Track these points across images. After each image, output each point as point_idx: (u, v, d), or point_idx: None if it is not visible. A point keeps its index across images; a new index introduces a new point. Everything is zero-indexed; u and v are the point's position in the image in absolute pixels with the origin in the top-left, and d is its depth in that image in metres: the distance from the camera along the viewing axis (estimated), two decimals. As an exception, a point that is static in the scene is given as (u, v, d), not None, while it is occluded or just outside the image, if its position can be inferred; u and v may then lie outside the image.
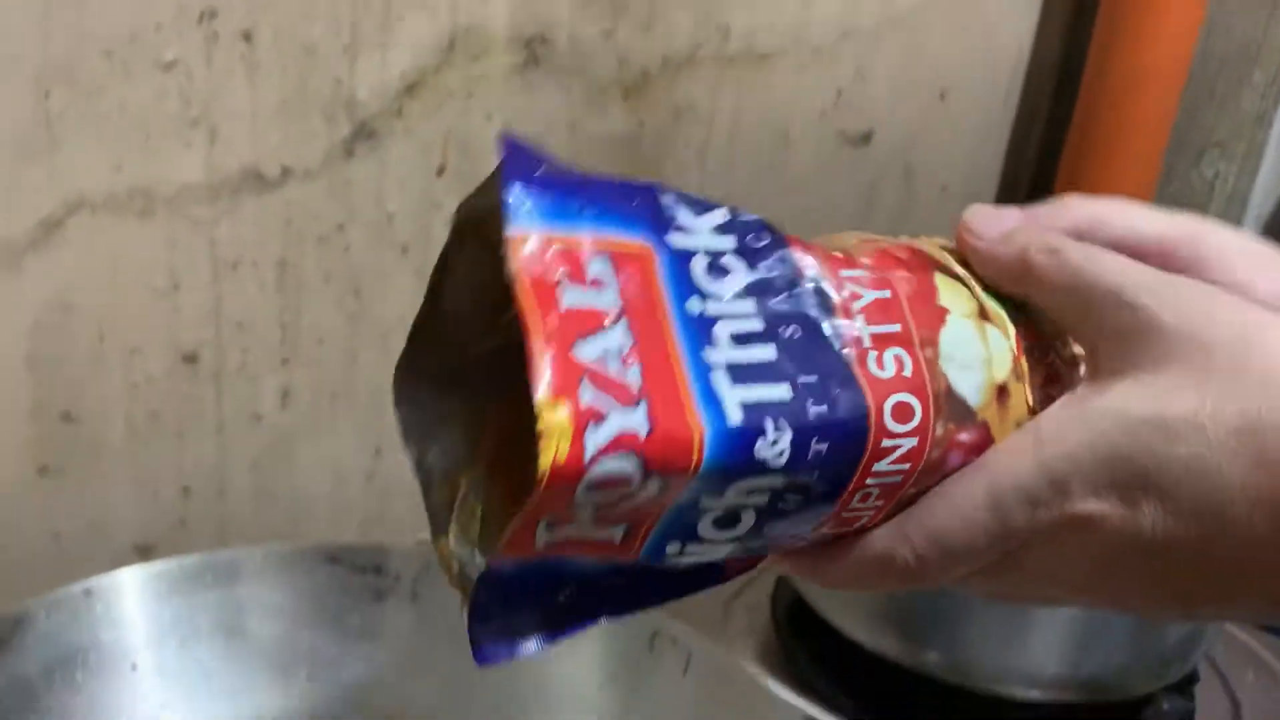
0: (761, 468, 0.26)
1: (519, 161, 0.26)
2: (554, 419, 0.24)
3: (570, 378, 0.24)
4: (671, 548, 0.27)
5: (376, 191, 0.57)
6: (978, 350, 0.28)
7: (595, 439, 0.24)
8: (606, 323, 0.25)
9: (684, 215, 0.27)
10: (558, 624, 0.28)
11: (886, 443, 0.27)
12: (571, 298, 0.25)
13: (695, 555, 0.28)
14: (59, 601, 0.45)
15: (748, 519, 0.27)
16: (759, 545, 0.28)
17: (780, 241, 0.28)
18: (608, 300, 0.25)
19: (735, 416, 0.25)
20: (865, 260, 0.29)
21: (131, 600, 0.47)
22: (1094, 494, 0.26)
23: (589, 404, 0.24)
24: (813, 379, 0.26)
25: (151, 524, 0.55)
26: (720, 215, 0.28)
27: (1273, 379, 0.25)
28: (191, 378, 0.54)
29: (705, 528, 0.27)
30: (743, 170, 0.72)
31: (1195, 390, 0.25)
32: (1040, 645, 0.57)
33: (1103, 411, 0.26)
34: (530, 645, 0.28)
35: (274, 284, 0.55)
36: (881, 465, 0.27)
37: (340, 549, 0.50)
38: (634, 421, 0.25)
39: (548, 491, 0.24)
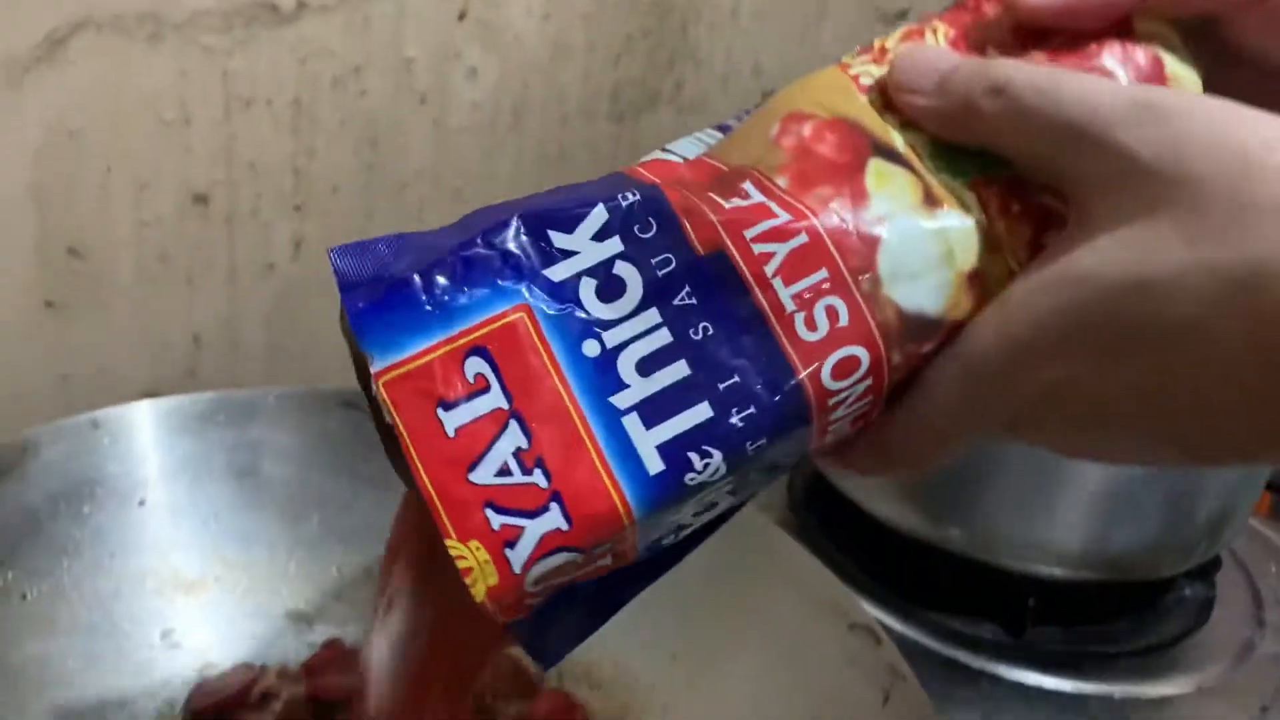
0: (703, 486, 0.25)
1: (357, 284, 0.24)
2: (469, 559, 0.24)
3: (472, 512, 0.24)
4: (668, 541, 0.26)
5: (395, 34, 0.55)
6: (930, 249, 0.25)
7: (517, 555, 0.24)
8: (497, 430, 0.24)
9: (558, 236, 0.25)
10: (603, 607, 0.28)
11: (834, 400, 0.25)
12: (455, 419, 0.24)
13: (699, 524, 0.27)
14: (65, 431, 0.44)
15: (726, 500, 0.26)
16: (758, 490, 0.27)
17: (669, 219, 0.25)
18: (493, 401, 0.24)
19: (654, 465, 0.24)
20: (780, 184, 0.26)
21: (141, 435, 0.46)
22: (1066, 360, 0.23)
23: (500, 527, 0.24)
24: (732, 381, 0.25)
25: (161, 372, 0.54)
26: (598, 216, 0.25)
27: (1277, 213, 0.21)
28: (202, 219, 0.52)
29: (687, 519, 0.26)
30: (773, 38, 0.69)
31: (1183, 241, 0.21)
32: (1064, 523, 0.56)
33: (1073, 277, 0.23)
34: (585, 633, 0.28)
35: (288, 125, 0.53)
36: (838, 414, 0.25)
37: (357, 394, 0.48)
38: (551, 521, 0.24)
39: (497, 608, 0.24)
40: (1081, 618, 0.60)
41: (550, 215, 0.25)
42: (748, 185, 0.26)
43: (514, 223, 0.25)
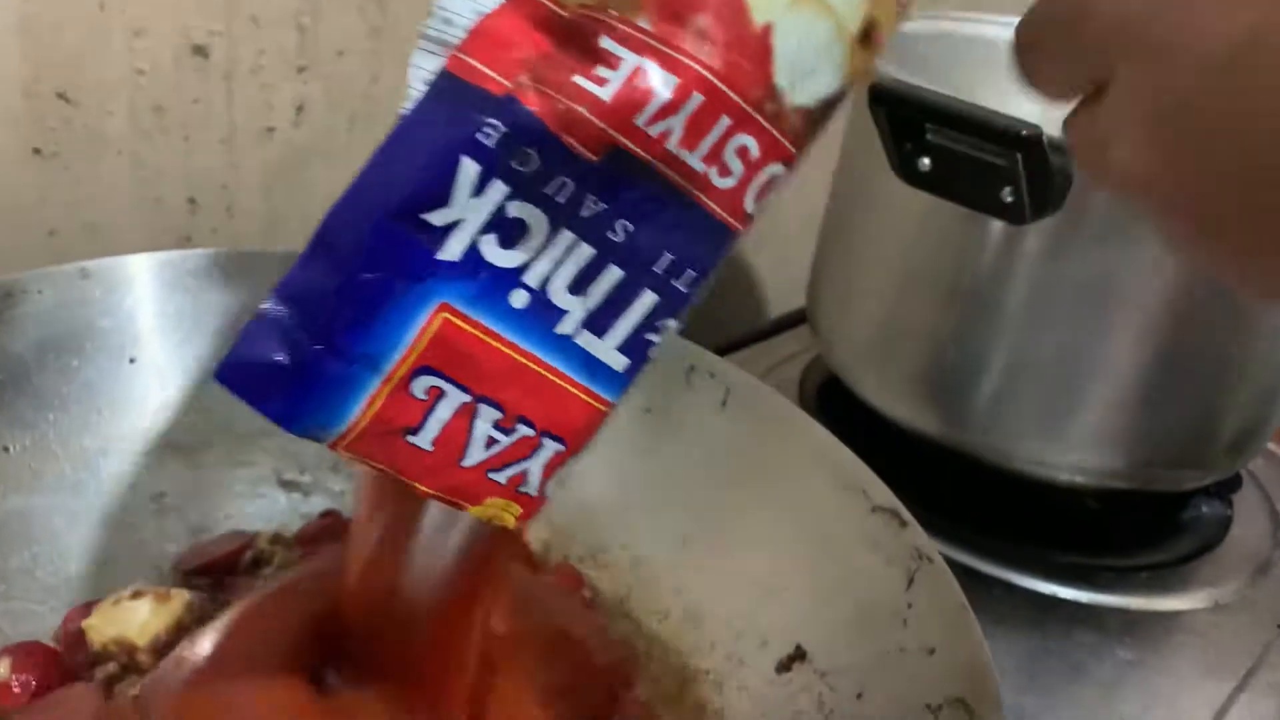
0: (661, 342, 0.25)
1: (265, 390, 0.23)
2: (489, 509, 0.25)
3: (477, 485, 0.25)
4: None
5: (409, -115, 0.52)
6: (820, 35, 0.23)
7: (531, 485, 0.25)
8: (469, 419, 0.24)
9: (435, 215, 0.22)
10: None
11: (759, 211, 0.25)
12: (427, 436, 0.24)
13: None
14: (54, 278, 0.41)
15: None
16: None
17: (547, 141, 0.22)
18: (455, 400, 0.23)
19: (619, 362, 0.24)
20: (646, 28, 0.22)
21: (134, 289, 0.43)
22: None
23: (506, 480, 0.25)
24: (666, 259, 0.24)
25: (154, 234, 0.51)
26: (468, 174, 0.22)
27: None
28: (200, 73, 0.49)
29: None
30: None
31: None
32: (1086, 431, 0.54)
33: None
34: None
35: (293, -23, 0.50)
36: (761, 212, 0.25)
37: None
38: (549, 451, 0.25)
39: (529, 520, 0.26)
40: (1098, 529, 0.59)
41: (416, 197, 0.22)
42: (610, 44, 0.22)
43: (383, 227, 0.22)
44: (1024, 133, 0.45)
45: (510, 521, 0.25)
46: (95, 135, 0.48)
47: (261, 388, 0.23)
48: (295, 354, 0.22)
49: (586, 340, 0.24)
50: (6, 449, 0.40)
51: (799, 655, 0.39)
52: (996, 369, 0.54)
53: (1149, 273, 0.50)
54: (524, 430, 0.24)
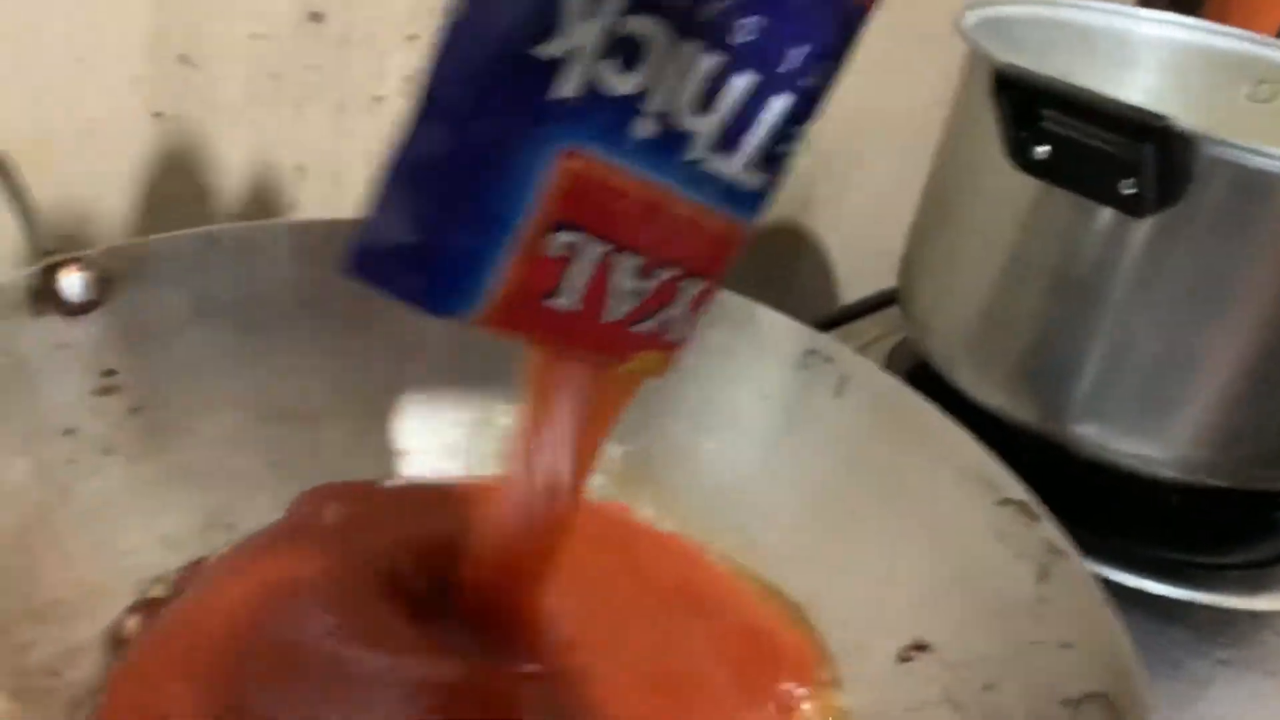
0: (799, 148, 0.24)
1: (396, 278, 0.21)
2: (637, 365, 0.25)
3: (622, 340, 0.24)
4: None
5: None
6: None
7: (677, 335, 0.25)
8: (609, 272, 0.23)
9: (548, 48, 0.20)
10: None
11: None
12: (569, 296, 0.22)
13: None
14: (180, 245, 0.41)
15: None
16: None
17: None
18: (593, 254, 0.22)
19: (754, 180, 0.23)
20: None
21: (260, 257, 0.43)
22: None
23: (652, 328, 0.24)
24: (796, 55, 0.22)
25: (263, 202, 0.52)
26: (578, 3, 0.20)
27: None
28: (315, 39, 0.49)
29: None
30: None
31: None
32: (1186, 425, 0.53)
33: None
34: None
35: (410, -57, 0.50)
36: None
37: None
38: (694, 291, 0.24)
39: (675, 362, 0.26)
40: (1184, 525, 0.59)
41: (521, 31, 0.20)
42: None
43: (490, 72, 0.20)
44: (1156, 124, 0.45)
45: (659, 371, 0.25)
46: (213, 100, 0.48)
47: (394, 271, 0.21)
48: (421, 229, 0.21)
49: (717, 164, 0.22)
50: (133, 410, 0.41)
51: (921, 646, 0.38)
52: (1100, 361, 0.53)
53: (1259, 266, 0.50)
54: (664, 275, 0.23)
